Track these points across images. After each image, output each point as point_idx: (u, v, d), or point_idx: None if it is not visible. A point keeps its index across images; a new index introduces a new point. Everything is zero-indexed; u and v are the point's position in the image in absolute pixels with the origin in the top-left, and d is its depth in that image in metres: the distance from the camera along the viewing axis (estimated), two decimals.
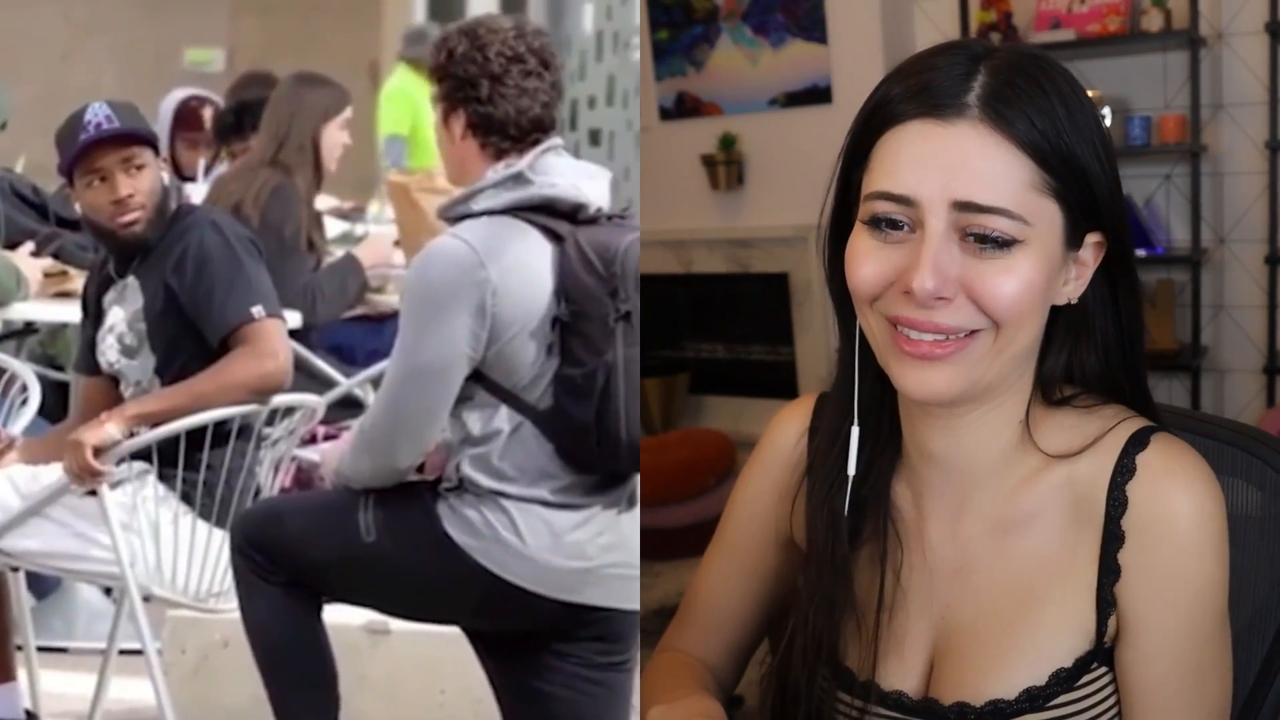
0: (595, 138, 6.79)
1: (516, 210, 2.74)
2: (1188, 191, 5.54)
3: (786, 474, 1.69)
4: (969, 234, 1.40)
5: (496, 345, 2.69)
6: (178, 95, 5.16)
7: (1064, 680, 1.49)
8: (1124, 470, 1.49)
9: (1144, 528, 1.47)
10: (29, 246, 4.07)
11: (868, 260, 1.44)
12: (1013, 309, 1.41)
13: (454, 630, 2.90)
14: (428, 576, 2.74)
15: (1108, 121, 5.53)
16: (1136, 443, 1.50)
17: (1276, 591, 1.70)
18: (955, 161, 1.39)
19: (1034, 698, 1.49)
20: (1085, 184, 1.43)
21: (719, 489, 5.87)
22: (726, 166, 6.50)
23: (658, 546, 5.42)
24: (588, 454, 2.72)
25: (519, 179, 2.74)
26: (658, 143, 6.69)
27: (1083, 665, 1.50)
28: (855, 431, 1.55)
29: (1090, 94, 4.93)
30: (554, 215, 2.75)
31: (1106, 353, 1.53)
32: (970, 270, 1.40)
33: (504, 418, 2.72)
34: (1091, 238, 1.47)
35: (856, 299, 1.47)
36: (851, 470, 1.56)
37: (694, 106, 6.73)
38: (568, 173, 2.78)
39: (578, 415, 2.70)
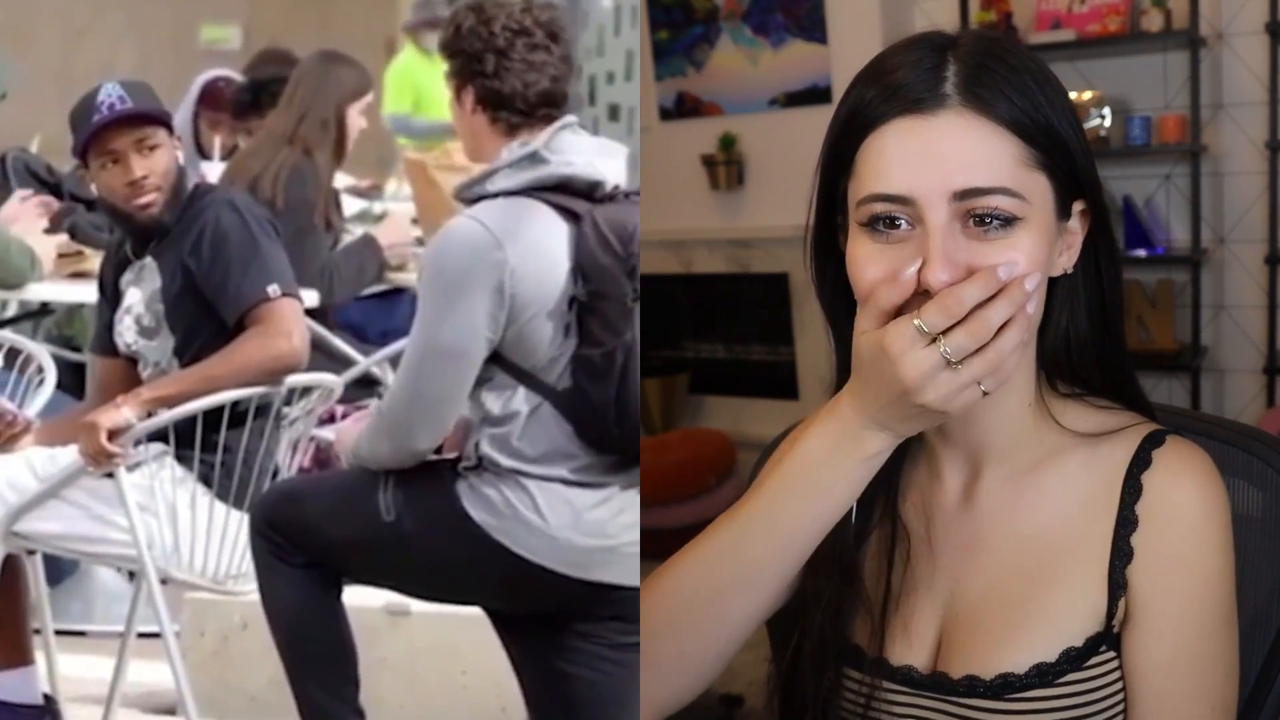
0: (614, 113, 6.78)
1: (533, 190, 2.72)
2: (1188, 191, 5.55)
3: None
4: (972, 216, 1.40)
5: (515, 326, 2.68)
6: (208, 74, 5.15)
7: (1074, 659, 1.50)
8: (1140, 462, 1.52)
9: (1157, 513, 1.50)
10: (42, 223, 4.05)
11: (872, 264, 1.43)
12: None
13: (475, 611, 2.89)
14: (448, 556, 2.73)
15: (1107, 122, 5.55)
16: (1153, 440, 1.54)
17: (1277, 592, 1.71)
18: (947, 153, 1.40)
19: (1044, 673, 1.50)
20: (1067, 154, 1.45)
21: (719, 489, 5.87)
22: (726, 166, 6.50)
23: (658, 546, 5.39)
24: (607, 435, 2.71)
25: (535, 158, 2.73)
26: (658, 143, 6.69)
27: (1092, 646, 1.51)
28: None
29: (1090, 94, 4.89)
30: (571, 194, 2.73)
31: (1092, 317, 1.56)
32: (977, 254, 1.40)
33: (522, 399, 2.71)
34: (1077, 206, 1.50)
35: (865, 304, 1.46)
36: None
37: (694, 106, 6.73)
38: (584, 150, 2.77)
39: (597, 396, 2.69)
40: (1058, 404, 1.56)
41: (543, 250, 2.70)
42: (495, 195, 2.72)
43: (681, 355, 7.03)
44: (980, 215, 1.40)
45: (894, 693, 1.57)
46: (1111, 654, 1.52)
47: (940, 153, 1.40)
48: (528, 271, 2.67)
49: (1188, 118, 5.49)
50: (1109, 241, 1.54)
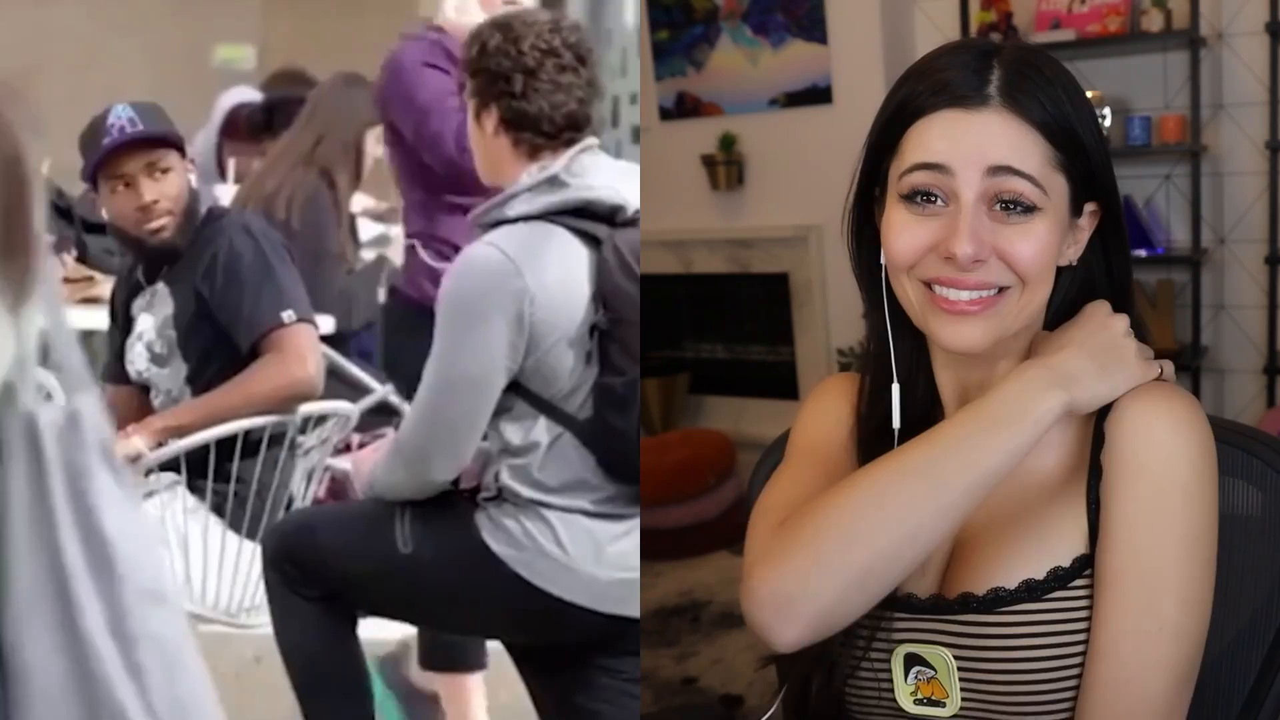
0: (638, 135, 6.74)
1: (553, 214, 2.66)
2: (1188, 191, 5.54)
3: (848, 409, 1.77)
4: (998, 201, 1.56)
5: (535, 355, 2.63)
6: (233, 99, 5.05)
7: (1061, 578, 1.57)
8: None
9: (1121, 424, 1.57)
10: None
11: (905, 232, 1.59)
12: (1034, 266, 1.58)
13: (493, 645, 2.86)
14: (467, 589, 2.68)
15: (1107, 122, 5.54)
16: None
17: (1277, 592, 1.71)
18: (986, 137, 1.56)
19: (1032, 589, 1.57)
20: (1086, 159, 1.60)
21: (719, 489, 5.87)
22: (726, 166, 6.49)
23: (658, 546, 5.41)
24: (629, 465, 2.66)
25: (554, 182, 2.66)
26: (658, 143, 6.67)
27: (1079, 567, 1.57)
28: (896, 389, 1.68)
29: (1090, 94, 4.96)
30: (592, 218, 2.67)
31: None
32: (999, 235, 1.56)
33: (543, 429, 2.66)
34: (1088, 207, 1.64)
35: (893, 267, 1.62)
36: (896, 424, 1.68)
37: (694, 106, 6.71)
38: (605, 173, 2.71)
39: (619, 425, 2.65)
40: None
41: (563, 277, 2.64)
42: (514, 220, 2.66)
43: (681, 355, 7.03)
44: (1006, 200, 1.56)
45: (896, 619, 1.64)
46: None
47: (980, 136, 1.56)
48: (548, 299, 2.62)
49: (1188, 118, 5.48)
50: (1120, 241, 1.68)
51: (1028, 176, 1.55)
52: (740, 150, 6.51)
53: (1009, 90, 1.56)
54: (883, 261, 1.65)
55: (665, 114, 6.78)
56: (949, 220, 1.56)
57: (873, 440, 1.70)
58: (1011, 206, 1.55)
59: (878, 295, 1.67)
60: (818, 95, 6.27)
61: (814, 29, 6.28)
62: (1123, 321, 1.60)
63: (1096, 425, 1.58)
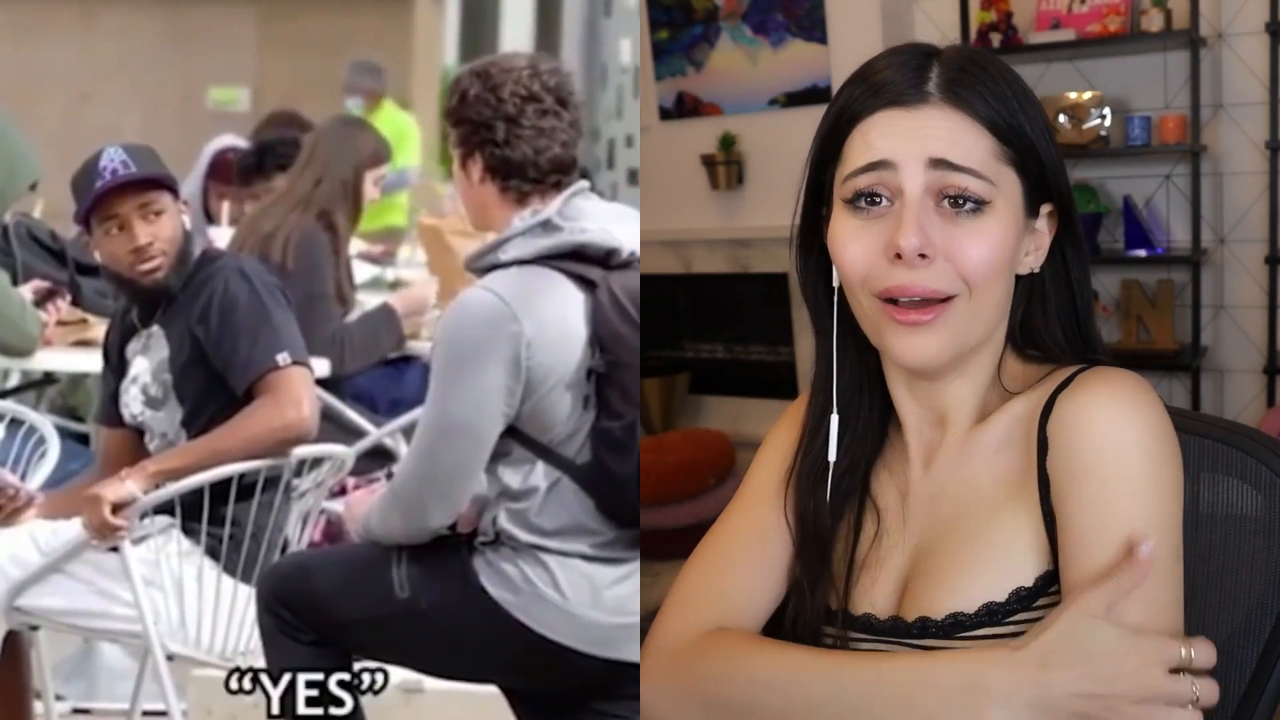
0: (634, 177, 6.72)
1: (546, 258, 2.66)
2: (1188, 191, 5.54)
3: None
4: (945, 196, 1.52)
5: (532, 400, 2.62)
6: (218, 144, 5.04)
7: (1024, 599, 1.53)
8: (1062, 387, 1.56)
9: (1062, 428, 1.53)
10: (34, 284, 3.97)
11: (852, 240, 1.55)
12: (983, 269, 1.53)
13: (490, 689, 2.84)
14: (463, 633, 2.68)
15: (1107, 122, 5.54)
16: (1086, 368, 1.58)
17: (1272, 591, 1.72)
18: (927, 130, 1.53)
19: (993, 613, 1.53)
20: (1036, 156, 1.56)
21: (719, 489, 5.87)
22: (726, 166, 6.48)
23: (658, 546, 5.40)
24: (629, 509, 2.66)
25: (548, 226, 2.66)
26: (658, 143, 6.67)
27: (1044, 586, 1.53)
28: (834, 420, 1.66)
29: (1090, 94, 4.97)
30: (586, 261, 2.67)
31: (1062, 312, 1.65)
32: (948, 235, 1.52)
33: (541, 474, 2.66)
34: (1045, 208, 1.60)
35: (847, 282, 1.57)
36: (832, 457, 1.66)
37: (694, 106, 6.71)
38: (597, 216, 2.70)
39: (618, 469, 2.64)
40: (1016, 370, 1.64)
41: (559, 320, 2.63)
42: (508, 264, 2.66)
43: (681, 355, 7.04)
44: (954, 196, 1.52)
45: (856, 640, 1.62)
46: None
47: (920, 130, 1.53)
48: (545, 343, 2.61)
49: (1188, 118, 5.48)
50: (1078, 248, 1.64)
51: (970, 170, 1.52)
52: (740, 150, 6.50)
53: (949, 86, 1.54)
54: (835, 284, 1.61)
55: (665, 114, 6.78)
56: (895, 218, 1.52)
57: (814, 470, 1.68)
58: (960, 202, 1.52)
59: (826, 319, 1.65)
60: (817, 95, 6.26)
61: (814, 29, 6.27)
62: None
63: (1039, 429, 1.54)
